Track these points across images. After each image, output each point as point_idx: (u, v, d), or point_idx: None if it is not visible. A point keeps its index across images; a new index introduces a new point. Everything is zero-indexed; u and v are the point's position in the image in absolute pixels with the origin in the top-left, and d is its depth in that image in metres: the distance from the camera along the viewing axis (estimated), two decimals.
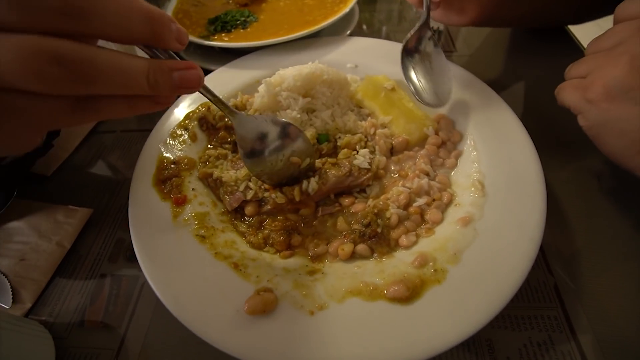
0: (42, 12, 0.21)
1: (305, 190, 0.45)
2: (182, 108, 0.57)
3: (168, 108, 0.56)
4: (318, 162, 0.48)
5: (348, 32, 0.77)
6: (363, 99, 0.58)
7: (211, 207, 0.46)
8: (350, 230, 0.43)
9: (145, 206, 0.44)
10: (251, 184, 0.47)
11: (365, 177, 0.46)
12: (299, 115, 0.53)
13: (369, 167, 0.46)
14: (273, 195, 0.45)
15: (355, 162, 0.47)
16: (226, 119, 0.56)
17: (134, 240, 0.41)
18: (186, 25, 0.74)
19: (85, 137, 0.65)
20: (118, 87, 0.25)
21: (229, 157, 0.52)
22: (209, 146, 0.54)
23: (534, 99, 0.64)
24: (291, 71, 0.54)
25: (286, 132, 0.44)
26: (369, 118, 0.56)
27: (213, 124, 0.55)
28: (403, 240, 0.42)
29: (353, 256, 0.41)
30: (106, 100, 0.27)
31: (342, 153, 0.50)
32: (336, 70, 0.56)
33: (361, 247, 0.41)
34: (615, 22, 0.39)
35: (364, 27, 0.87)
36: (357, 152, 0.48)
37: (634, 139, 0.35)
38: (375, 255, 0.41)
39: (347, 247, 0.41)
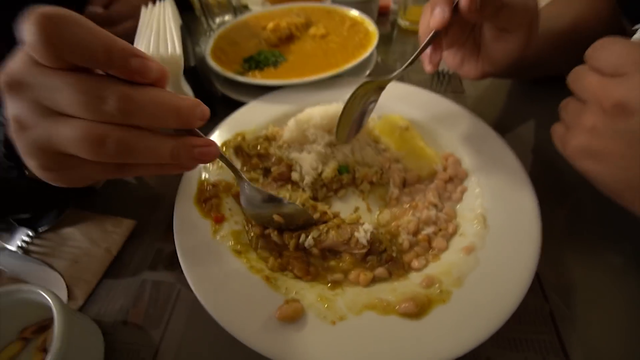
0: (102, 114, 0.30)
1: (302, 244, 0.49)
2: (219, 137, 0.65)
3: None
4: (328, 215, 0.52)
5: (367, 73, 0.86)
6: (380, 136, 0.66)
7: (244, 226, 0.53)
8: (365, 259, 0.48)
9: (188, 221, 0.50)
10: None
11: (358, 252, 0.48)
12: (323, 150, 0.60)
13: (366, 244, 0.47)
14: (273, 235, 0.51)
15: (357, 234, 0.48)
16: (258, 148, 0.64)
17: (178, 249, 0.47)
18: (223, 62, 0.84)
19: None
20: (149, 160, 0.33)
21: (260, 181, 0.60)
22: (242, 170, 0.62)
23: (534, 140, 0.70)
24: (318, 110, 0.62)
25: (279, 202, 0.50)
26: (385, 153, 0.63)
27: (247, 153, 0.63)
28: (415, 263, 0.47)
29: (372, 281, 0.46)
30: (142, 165, 0.35)
31: (350, 218, 0.53)
32: None
33: (380, 271, 0.46)
34: (585, 60, 0.41)
35: (379, 60, 0.95)
36: (363, 224, 0.50)
37: (613, 188, 0.40)
38: (392, 277, 0.46)
39: (368, 275, 0.45)
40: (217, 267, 0.45)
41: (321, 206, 0.54)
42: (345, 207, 0.58)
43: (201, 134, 0.36)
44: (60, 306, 0.39)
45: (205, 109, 0.34)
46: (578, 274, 0.51)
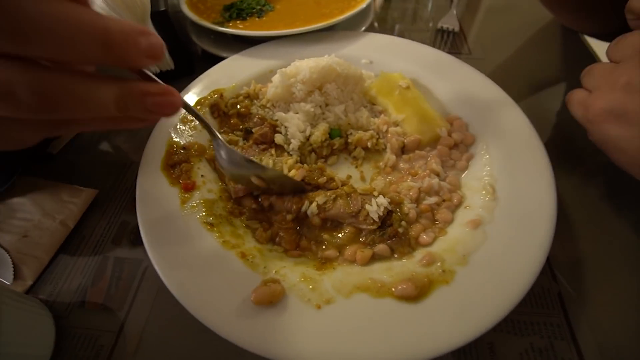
0: None
1: (304, 212, 0.43)
2: (193, 94, 0.57)
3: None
4: (335, 183, 0.46)
5: (363, 27, 0.76)
6: (377, 96, 0.58)
7: (218, 195, 0.46)
8: (365, 234, 0.42)
9: (153, 190, 0.43)
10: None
11: (367, 227, 0.42)
12: (312, 110, 0.52)
13: (377, 220, 0.42)
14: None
15: (368, 207, 0.42)
16: (238, 106, 0.56)
17: (140, 223, 0.40)
18: (201, 10, 0.73)
19: None
20: (85, 114, 0.24)
21: (240, 144, 0.52)
22: (220, 131, 0.54)
23: (547, 104, 0.64)
24: (307, 63, 0.53)
25: (259, 166, 0.43)
26: (382, 115, 0.56)
27: (225, 112, 0.55)
28: (423, 237, 0.41)
29: (372, 258, 0.41)
30: (84, 120, 0.26)
31: (363, 188, 0.45)
32: (351, 65, 0.56)
33: (382, 248, 0.41)
34: (629, 24, 0.39)
35: (376, 24, 0.86)
36: (377, 196, 0.44)
37: (633, 156, 0.36)
38: (395, 256, 0.41)
39: (367, 252, 0.40)
40: (185, 243, 0.39)
41: (330, 171, 0.47)
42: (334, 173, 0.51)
43: (157, 80, 0.28)
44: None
45: (155, 41, 0.24)
46: (588, 252, 0.46)
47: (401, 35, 0.83)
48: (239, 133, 0.54)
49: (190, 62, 0.72)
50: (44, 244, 0.47)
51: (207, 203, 0.44)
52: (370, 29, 0.77)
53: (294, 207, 0.43)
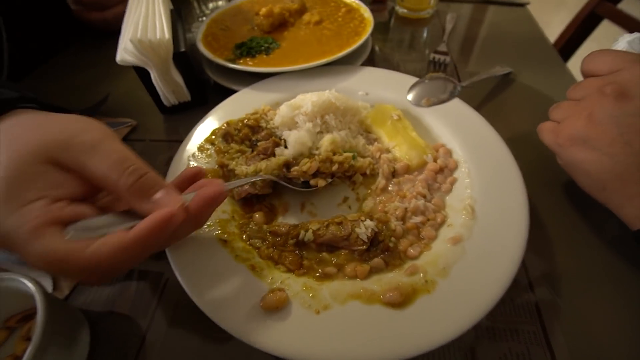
0: None
1: (302, 239, 0.49)
2: (208, 125, 0.64)
3: (197, 125, 0.64)
4: (344, 166, 0.54)
5: (361, 61, 0.84)
6: (372, 125, 0.65)
7: (231, 215, 0.52)
8: (359, 251, 0.47)
9: None
10: (258, 181, 0.53)
11: (358, 248, 0.47)
12: (313, 128, 0.60)
13: (366, 241, 0.47)
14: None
15: (357, 230, 0.47)
16: (247, 122, 0.63)
17: None
18: (214, 48, 0.82)
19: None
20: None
21: (247, 154, 0.59)
22: (231, 146, 0.61)
23: (526, 131, 0.70)
24: (310, 97, 0.61)
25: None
26: (376, 143, 0.63)
27: (233, 136, 0.62)
28: (411, 251, 0.47)
29: (370, 272, 0.45)
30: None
31: (352, 216, 0.50)
32: (349, 98, 0.64)
33: (377, 262, 0.46)
34: (583, 74, 0.47)
35: (377, 49, 0.94)
36: (364, 220, 0.49)
37: (596, 178, 0.41)
38: (388, 267, 0.46)
39: (365, 267, 0.45)
40: (204, 256, 0.45)
41: (337, 156, 0.54)
42: (332, 196, 0.58)
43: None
44: (42, 294, 0.39)
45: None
46: (565, 263, 0.51)
47: (397, 65, 0.91)
48: (247, 143, 0.62)
49: (204, 93, 0.81)
50: None
51: (222, 222, 0.50)
52: (370, 59, 0.86)
53: (291, 241, 0.49)
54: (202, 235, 0.48)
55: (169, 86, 0.72)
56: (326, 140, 0.58)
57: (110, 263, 0.30)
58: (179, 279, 0.43)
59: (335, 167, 0.54)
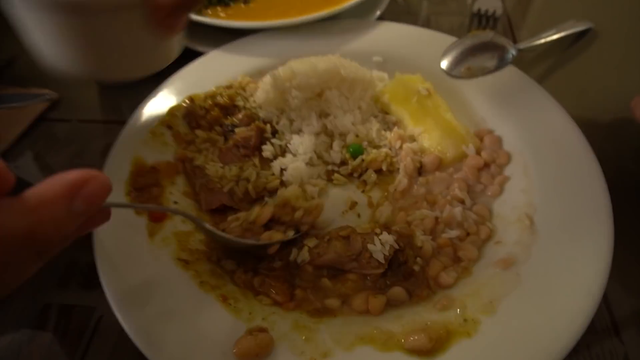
0: None
1: (294, 261, 0.49)
2: (162, 102, 0.64)
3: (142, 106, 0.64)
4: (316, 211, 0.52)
5: (377, 14, 0.85)
6: (390, 104, 0.66)
7: (195, 226, 0.52)
8: (372, 276, 0.47)
9: (114, 219, 0.50)
10: (239, 188, 0.53)
11: (371, 272, 0.47)
12: (316, 127, 0.61)
13: (383, 262, 0.47)
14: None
15: (371, 247, 0.47)
16: (220, 99, 0.64)
17: (98, 262, 0.47)
18: None
19: (29, 126, 0.71)
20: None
21: (219, 144, 0.60)
22: (199, 127, 0.62)
23: (610, 112, 0.69)
24: (304, 65, 0.61)
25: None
26: (395, 128, 0.63)
27: (202, 115, 0.63)
28: (444, 277, 0.47)
29: (387, 306, 0.46)
30: None
31: (362, 228, 0.50)
32: (359, 66, 0.64)
33: (397, 291, 0.46)
34: None
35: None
36: (380, 233, 0.49)
37: None
38: (412, 299, 0.46)
39: (380, 299, 0.45)
40: (154, 284, 0.45)
41: (303, 201, 0.53)
42: (335, 200, 0.58)
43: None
44: None
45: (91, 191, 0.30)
46: None
47: (426, 20, 0.91)
48: (219, 129, 0.62)
49: None
50: None
51: (181, 236, 0.50)
52: (385, 16, 0.86)
53: (278, 255, 0.49)
54: (152, 254, 0.48)
55: None
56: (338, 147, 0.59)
57: None
58: (119, 316, 0.43)
59: (299, 214, 0.51)
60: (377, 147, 0.62)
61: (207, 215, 0.55)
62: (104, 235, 0.49)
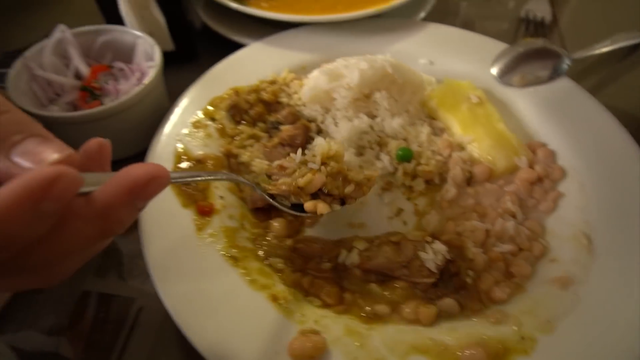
0: None
1: (342, 263, 0.50)
2: (205, 91, 0.66)
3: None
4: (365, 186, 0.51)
5: (422, 15, 0.86)
6: (438, 109, 0.67)
7: (241, 223, 0.54)
8: (423, 285, 0.49)
9: (161, 211, 0.52)
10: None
11: (422, 280, 0.48)
12: (361, 125, 0.62)
13: (435, 272, 0.48)
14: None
15: (422, 255, 0.48)
16: (264, 94, 0.65)
17: (147, 253, 0.48)
18: None
19: None
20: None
21: (264, 141, 0.61)
22: (240, 123, 0.64)
23: None
24: (357, 63, 0.62)
25: None
26: (444, 135, 0.64)
27: (246, 110, 0.64)
28: (497, 292, 0.48)
29: (438, 317, 0.47)
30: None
31: (414, 235, 0.52)
32: (410, 68, 0.65)
33: (448, 303, 0.47)
34: None
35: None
36: (432, 242, 0.50)
37: None
38: (464, 312, 0.47)
39: (431, 309, 0.46)
40: (204, 280, 0.47)
41: (355, 173, 0.51)
42: (381, 205, 0.59)
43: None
44: None
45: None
46: None
47: (470, 24, 0.92)
48: (262, 125, 0.63)
49: (192, 44, 0.83)
50: None
51: (228, 231, 0.52)
52: (431, 16, 0.87)
53: (327, 256, 0.50)
54: (200, 249, 0.49)
55: (145, 26, 0.73)
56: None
57: None
58: (171, 311, 0.44)
59: (350, 189, 0.49)
60: (426, 154, 0.62)
61: (251, 214, 0.56)
62: (150, 228, 0.50)
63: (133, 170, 0.29)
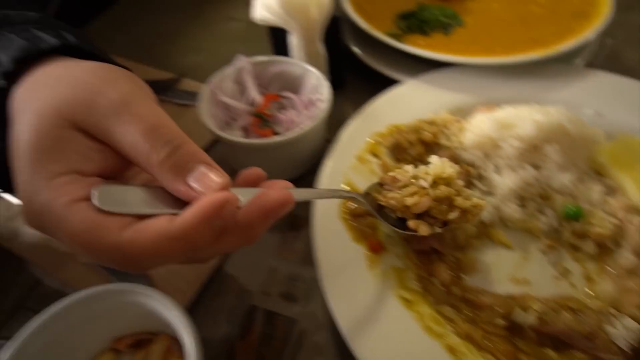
0: None
1: (517, 321, 0.49)
2: (364, 127, 0.69)
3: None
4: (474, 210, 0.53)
5: (582, 60, 0.84)
6: (609, 165, 0.64)
7: (405, 264, 0.56)
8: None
9: (334, 242, 0.55)
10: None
11: (611, 357, 0.46)
12: (530, 178, 0.61)
13: (627, 351, 0.46)
14: None
15: (609, 329, 0.47)
16: (425, 134, 0.67)
17: (324, 280, 0.52)
18: (369, 15, 0.88)
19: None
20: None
21: None
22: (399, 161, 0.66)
23: None
24: (531, 114, 0.62)
25: None
26: (620, 196, 0.62)
27: (405, 148, 0.67)
28: None
29: None
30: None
31: (598, 306, 0.50)
32: (584, 122, 0.64)
33: None
34: None
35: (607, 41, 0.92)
36: (620, 316, 0.48)
37: None
38: None
39: None
40: (380, 317, 0.49)
41: (462, 200, 0.53)
42: (544, 262, 0.58)
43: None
44: (189, 326, 0.45)
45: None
46: None
47: (634, 71, 0.87)
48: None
49: (342, 74, 0.87)
50: (187, 276, 0.61)
51: (397, 272, 0.54)
52: (600, 59, 0.84)
53: (499, 321, 0.50)
54: (374, 286, 0.52)
55: (308, 59, 0.78)
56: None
57: (149, 255, 0.34)
58: (349, 344, 0.47)
59: (454, 215, 0.52)
60: (595, 212, 0.60)
61: (414, 255, 0.57)
62: (325, 257, 0.54)
63: (270, 196, 0.38)
